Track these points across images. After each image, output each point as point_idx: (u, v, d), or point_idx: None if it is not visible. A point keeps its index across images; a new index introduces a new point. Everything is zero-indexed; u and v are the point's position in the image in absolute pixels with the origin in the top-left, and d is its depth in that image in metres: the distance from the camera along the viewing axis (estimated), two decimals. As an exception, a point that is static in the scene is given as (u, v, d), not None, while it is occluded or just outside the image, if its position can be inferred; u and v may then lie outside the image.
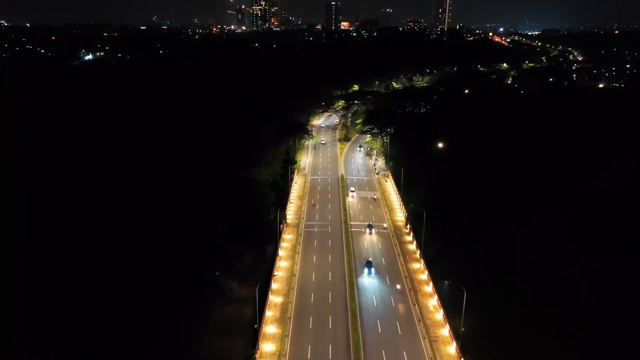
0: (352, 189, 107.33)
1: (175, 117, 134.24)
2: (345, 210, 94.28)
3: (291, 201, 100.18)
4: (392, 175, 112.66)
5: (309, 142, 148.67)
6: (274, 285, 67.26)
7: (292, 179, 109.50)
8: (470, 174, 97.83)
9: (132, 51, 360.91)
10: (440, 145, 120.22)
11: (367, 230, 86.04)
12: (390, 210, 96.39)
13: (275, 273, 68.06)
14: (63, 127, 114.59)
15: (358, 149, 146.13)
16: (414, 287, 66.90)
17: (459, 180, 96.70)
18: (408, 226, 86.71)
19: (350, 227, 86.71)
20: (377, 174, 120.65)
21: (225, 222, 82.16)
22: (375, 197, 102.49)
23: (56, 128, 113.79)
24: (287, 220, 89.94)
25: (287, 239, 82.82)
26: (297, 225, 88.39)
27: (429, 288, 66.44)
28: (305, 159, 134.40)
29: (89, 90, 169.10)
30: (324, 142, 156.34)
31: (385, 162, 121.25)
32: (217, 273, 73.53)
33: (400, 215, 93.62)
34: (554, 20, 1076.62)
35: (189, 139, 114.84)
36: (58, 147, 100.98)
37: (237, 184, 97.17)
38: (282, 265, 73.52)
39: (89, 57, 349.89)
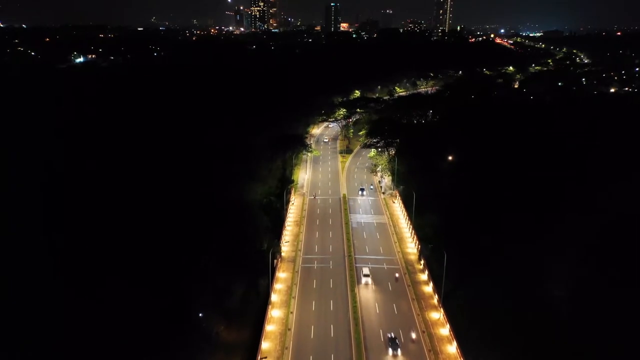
0: (365, 271, 71.71)
1: (161, 124, 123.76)
2: (348, 240, 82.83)
3: (287, 228, 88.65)
4: (401, 195, 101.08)
5: (308, 156, 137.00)
6: (264, 345, 55.88)
7: (288, 201, 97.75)
8: (484, 189, 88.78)
9: (126, 53, 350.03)
10: (450, 158, 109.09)
11: (391, 350, 55.19)
12: (400, 239, 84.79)
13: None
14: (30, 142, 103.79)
15: (360, 193, 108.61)
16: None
17: (472, 198, 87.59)
18: (422, 262, 75.18)
19: (355, 263, 75.30)
20: (384, 193, 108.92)
21: (212, 251, 71.43)
22: (397, 275, 72.47)
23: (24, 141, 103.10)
24: (282, 253, 78.42)
25: (282, 278, 71.30)
26: (294, 260, 76.80)
27: (452, 349, 55.12)
28: (303, 175, 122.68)
29: (74, 95, 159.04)
30: (326, 140, 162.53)
31: (392, 181, 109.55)
32: (201, 315, 63.14)
33: (411, 246, 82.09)
34: (554, 21, 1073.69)
35: (174, 149, 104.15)
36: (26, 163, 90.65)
37: (228, 204, 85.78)
38: (275, 315, 62.13)
39: (80, 59, 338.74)
